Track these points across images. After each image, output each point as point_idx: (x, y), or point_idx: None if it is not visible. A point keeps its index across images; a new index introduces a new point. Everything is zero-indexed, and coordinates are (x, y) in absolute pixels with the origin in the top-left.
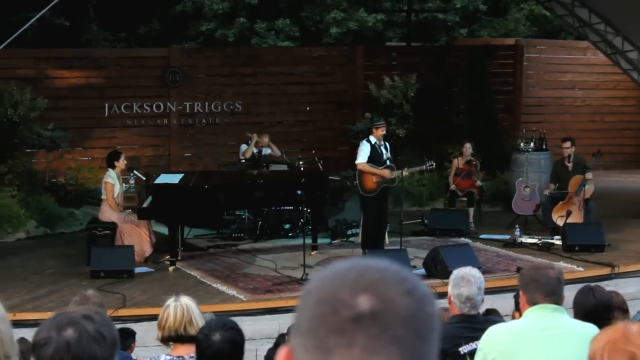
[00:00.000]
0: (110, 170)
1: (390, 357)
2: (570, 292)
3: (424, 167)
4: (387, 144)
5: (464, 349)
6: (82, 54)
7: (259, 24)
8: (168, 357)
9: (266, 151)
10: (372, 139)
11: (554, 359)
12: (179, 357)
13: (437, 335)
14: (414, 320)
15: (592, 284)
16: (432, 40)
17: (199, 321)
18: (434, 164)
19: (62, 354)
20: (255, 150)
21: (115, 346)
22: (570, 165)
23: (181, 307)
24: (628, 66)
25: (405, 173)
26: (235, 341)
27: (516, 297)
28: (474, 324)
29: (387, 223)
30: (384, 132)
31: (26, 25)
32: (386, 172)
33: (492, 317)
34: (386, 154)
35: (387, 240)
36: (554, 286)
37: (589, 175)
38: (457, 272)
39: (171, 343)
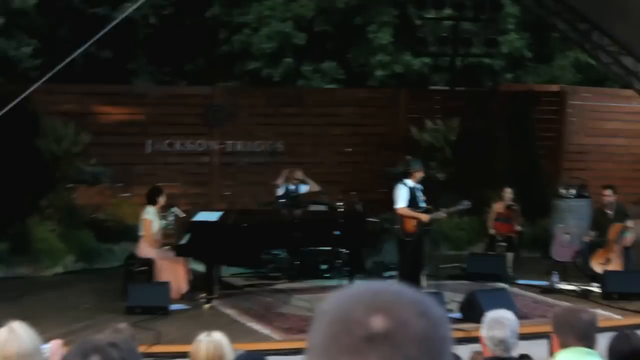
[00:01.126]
0: (149, 206)
1: None
2: (607, 340)
3: (460, 206)
4: (420, 186)
5: None
6: (126, 90)
7: (305, 66)
8: None
9: (305, 187)
10: (409, 182)
11: None
12: None
13: (449, 358)
14: (428, 341)
15: (628, 331)
16: (477, 85)
17: (230, 357)
18: (470, 203)
19: None
20: (292, 188)
21: None
22: (611, 213)
23: (213, 343)
24: None
25: (442, 215)
26: None
27: (549, 341)
28: None
29: (423, 266)
30: (422, 175)
31: (69, 58)
32: (425, 217)
33: None
34: (422, 197)
35: (424, 283)
36: (588, 329)
37: (629, 223)
38: (491, 315)
39: None
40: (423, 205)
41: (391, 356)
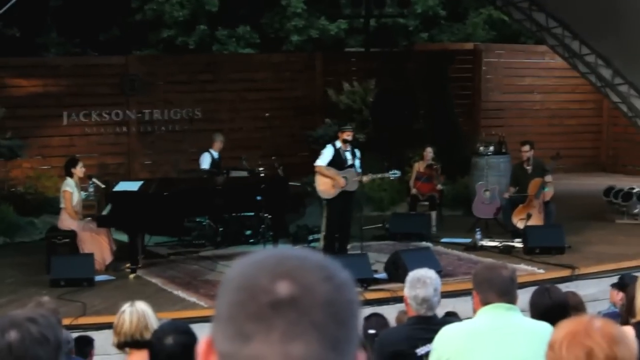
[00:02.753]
0: (69, 178)
1: (309, 342)
2: (529, 295)
3: (388, 175)
4: (356, 150)
5: (421, 351)
6: (39, 62)
7: (220, 31)
8: None
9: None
10: (337, 143)
11: (507, 358)
12: None
13: (357, 322)
14: (333, 305)
15: (548, 285)
16: (392, 46)
17: (155, 326)
18: (399, 172)
19: (4, 356)
20: (215, 156)
21: (60, 349)
22: (529, 168)
23: (137, 312)
24: (586, 69)
25: (366, 179)
26: (188, 345)
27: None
28: (431, 325)
29: (349, 228)
30: (349, 137)
31: None
32: (341, 181)
33: (450, 318)
34: (351, 160)
35: (348, 244)
36: (508, 286)
37: (548, 178)
38: (413, 274)
39: (127, 349)
40: (351, 168)
41: (297, 322)
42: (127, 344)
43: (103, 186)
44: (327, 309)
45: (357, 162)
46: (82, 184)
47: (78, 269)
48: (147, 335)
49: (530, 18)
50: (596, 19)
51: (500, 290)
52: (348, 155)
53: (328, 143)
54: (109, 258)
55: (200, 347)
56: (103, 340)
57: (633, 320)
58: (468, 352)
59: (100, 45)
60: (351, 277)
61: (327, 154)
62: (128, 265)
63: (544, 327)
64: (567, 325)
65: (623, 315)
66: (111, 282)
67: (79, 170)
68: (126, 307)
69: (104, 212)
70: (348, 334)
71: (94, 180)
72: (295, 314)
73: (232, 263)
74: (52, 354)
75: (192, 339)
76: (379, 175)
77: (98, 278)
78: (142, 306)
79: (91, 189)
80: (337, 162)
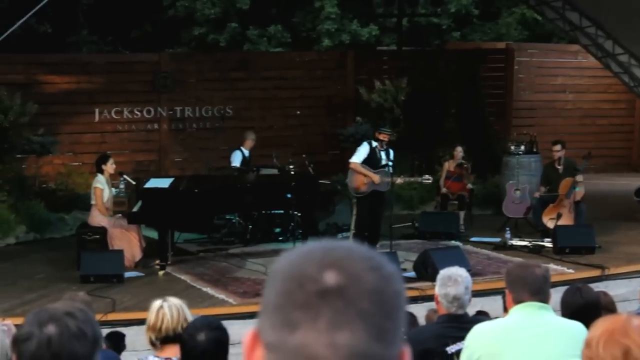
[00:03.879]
0: (99, 175)
1: (355, 331)
2: (560, 295)
3: (421, 180)
4: (390, 150)
5: (452, 349)
6: (71, 60)
7: (251, 30)
8: (157, 359)
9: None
10: (373, 142)
11: (539, 357)
12: (167, 358)
13: (403, 314)
14: (380, 295)
15: (580, 284)
16: (424, 45)
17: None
18: (431, 178)
19: (43, 350)
20: (247, 154)
21: (97, 344)
22: (560, 168)
23: (176, 307)
24: (619, 69)
25: (399, 181)
26: (221, 341)
27: (504, 297)
28: (461, 324)
29: (379, 226)
30: (385, 139)
31: (9, 31)
32: (376, 177)
33: (481, 317)
34: (385, 160)
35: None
36: (541, 284)
37: (579, 177)
38: (444, 272)
39: (158, 344)
40: (385, 167)
41: (344, 310)
42: (167, 339)
43: (134, 183)
44: (374, 298)
45: (391, 163)
46: (113, 180)
47: (108, 266)
48: None
49: (563, 17)
50: (630, 19)
51: (533, 289)
52: (383, 154)
53: (359, 141)
54: (138, 255)
55: (246, 339)
56: (132, 336)
57: None
58: (501, 351)
59: (132, 42)
60: (398, 270)
61: (362, 151)
62: (157, 262)
63: (576, 325)
64: (605, 323)
65: None
66: (140, 279)
67: (110, 167)
68: (163, 303)
69: (135, 209)
70: (394, 326)
71: (125, 177)
72: (342, 303)
73: (262, 260)
74: (89, 349)
75: (224, 334)
76: (412, 179)
77: (127, 274)
78: (177, 301)
79: (122, 186)
80: (372, 160)
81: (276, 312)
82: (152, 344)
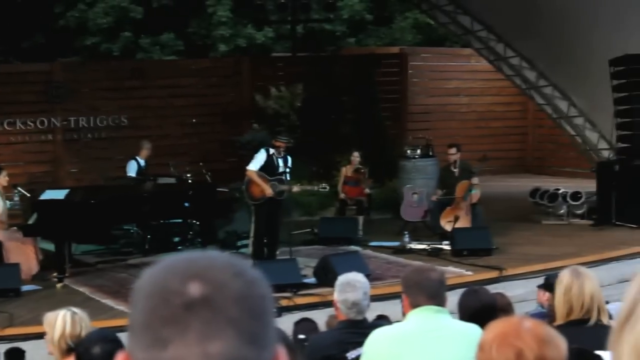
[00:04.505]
0: None
1: (226, 338)
2: (458, 297)
3: (317, 188)
4: (288, 157)
5: (351, 355)
6: None
7: (143, 39)
8: None
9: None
10: (270, 149)
11: None
12: None
13: (272, 317)
14: (247, 300)
15: (476, 287)
16: (319, 50)
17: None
18: (327, 187)
19: None
20: (143, 164)
21: None
22: (456, 170)
23: (72, 315)
24: (511, 72)
25: (296, 189)
26: (115, 353)
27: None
28: (361, 329)
29: (278, 233)
30: (283, 146)
31: None
32: (268, 191)
33: (381, 322)
34: (282, 167)
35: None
36: (437, 288)
37: (475, 180)
38: (342, 278)
39: (58, 356)
40: (282, 175)
41: (212, 320)
42: (69, 349)
43: (28, 195)
44: (241, 304)
45: (289, 170)
46: (7, 193)
47: (4, 279)
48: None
49: (455, 21)
50: (520, 22)
51: (430, 293)
52: (280, 162)
53: (257, 148)
54: (35, 268)
55: None
56: (31, 351)
57: (554, 324)
58: (398, 355)
59: (24, 52)
60: (261, 274)
61: (259, 158)
62: (55, 274)
63: (473, 329)
64: (497, 326)
65: (550, 315)
66: (38, 292)
67: (3, 180)
68: (60, 312)
69: (30, 221)
70: (265, 329)
71: (19, 189)
72: (210, 313)
73: (141, 273)
74: None
75: (119, 346)
76: (308, 187)
77: (25, 288)
78: (77, 310)
79: (16, 198)
80: (269, 167)
81: (144, 330)
82: (55, 353)
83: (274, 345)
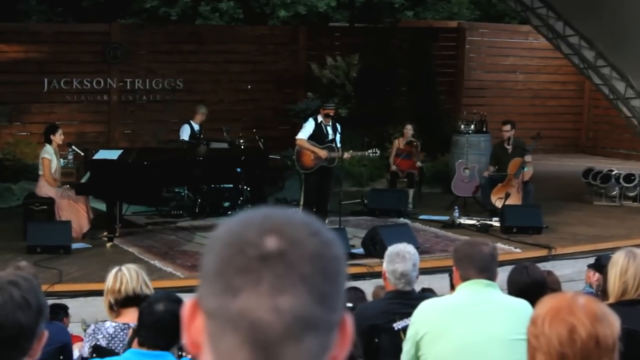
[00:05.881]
0: (48, 145)
1: (297, 294)
2: (507, 274)
3: (367, 153)
4: (337, 125)
5: (398, 325)
6: (20, 28)
7: (202, 6)
8: (114, 324)
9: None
10: (319, 118)
11: (485, 333)
12: (124, 324)
13: (343, 279)
14: (321, 260)
15: (526, 263)
16: (377, 22)
17: (150, 285)
18: (378, 151)
19: None
20: (197, 128)
21: (41, 314)
22: (509, 147)
23: (134, 270)
24: (569, 51)
25: (347, 155)
26: (178, 314)
27: (451, 275)
28: (409, 300)
29: (327, 202)
30: (331, 113)
31: None
32: (323, 153)
33: (427, 294)
34: (332, 135)
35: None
36: (488, 262)
37: (528, 158)
38: (391, 249)
39: (116, 309)
40: (331, 143)
41: (285, 275)
42: (127, 300)
43: (82, 154)
44: (315, 263)
45: (338, 137)
46: (61, 151)
47: (55, 236)
48: (147, 291)
49: None
50: (580, 1)
51: (480, 267)
52: (329, 129)
53: (310, 117)
54: (86, 226)
55: (185, 308)
56: (78, 308)
57: (606, 303)
58: (447, 327)
59: (83, 12)
60: (337, 236)
61: (308, 127)
62: (105, 233)
63: (523, 303)
64: (551, 301)
65: (599, 296)
66: (88, 251)
67: (58, 138)
68: (121, 267)
69: (83, 180)
70: (336, 290)
71: (73, 147)
72: (284, 267)
73: (213, 230)
74: (33, 318)
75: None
76: (359, 153)
77: (75, 246)
78: (134, 266)
79: (70, 157)
80: (319, 136)
81: (217, 278)
82: (111, 308)
83: (343, 309)
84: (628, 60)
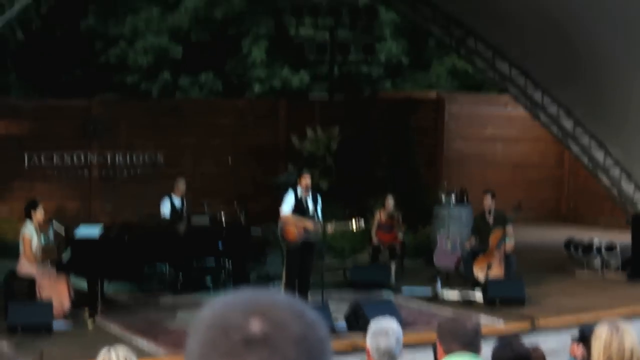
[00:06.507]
0: (28, 222)
1: None
2: (490, 347)
3: (351, 224)
4: (318, 195)
5: None
6: (0, 103)
7: (182, 79)
8: None
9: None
10: (299, 190)
11: None
12: None
13: (329, 359)
14: (305, 342)
15: (511, 337)
16: (356, 94)
17: None
18: (363, 220)
19: None
20: (178, 201)
21: None
22: (491, 218)
23: (123, 352)
24: (548, 120)
25: (330, 228)
26: None
27: (434, 349)
28: None
29: (309, 276)
30: (308, 180)
31: None
32: (310, 224)
33: None
34: (312, 208)
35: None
36: (471, 337)
37: (509, 229)
38: (375, 324)
39: None
40: (313, 215)
41: (270, 358)
42: None
43: (63, 230)
44: (300, 346)
45: (319, 209)
46: (42, 227)
47: (37, 316)
48: None
49: (493, 67)
50: (558, 69)
51: (464, 342)
52: (310, 202)
53: (289, 190)
54: (67, 305)
55: None
56: None
57: None
58: None
59: (63, 87)
60: (321, 318)
61: (289, 199)
62: (87, 312)
63: None
64: None
65: None
66: (70, 329)
67: (39, 214)
68: (110, 349)
69: (64, 258)
70: None
71: (54, 224)
72: (268, 351)
73: (193, 310)
74: None
75: None
76: (343, 223)
77: (56, 325)
78: (123, 348)
79: (51, 233)
80: (300, 209)
81: None
82: None
83: None
84: (607, 128)
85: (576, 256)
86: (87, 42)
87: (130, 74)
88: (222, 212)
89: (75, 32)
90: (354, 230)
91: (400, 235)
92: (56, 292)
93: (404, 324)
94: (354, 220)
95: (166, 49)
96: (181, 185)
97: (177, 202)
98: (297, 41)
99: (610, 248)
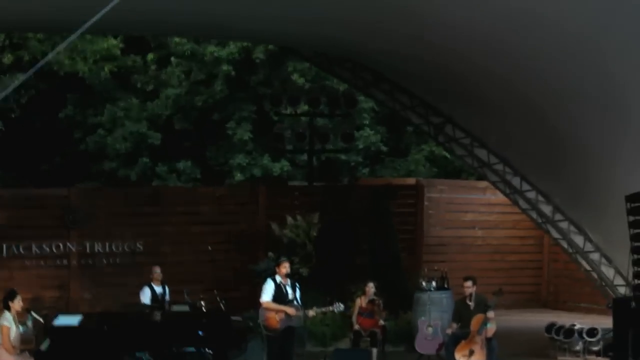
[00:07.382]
0: (6, 312)
1: None
2: None
3: (333, 308)
4: (296, 284)
5: None
6: None
7: (160, 166)
8: None
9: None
10: (277, 278)
11: None
12: None
13: None
14: None
15: None
16: (335, 180)
17: None
18: (343, 306)
19: None
20: (158, 289)
21: None
22: (472, 304)
23: None
24: (527, 206)
25: (312, 313)
26: None
27: None
28: None
29: None
30: (287, 269)
31: None
32: (292, 310)
33: None
34: (292, 294)
35: None
36: None
37: (490, 314)
38: None
39: None
40: (293, 302)
41: None
42: None
43: (42, 320)
44: None
45: (299, 296)
46: (20, 318)
47: None
48: None
49: (471, 154)
50: (536, 156)
51: None
52: (289, 289)
53: (268, 278)
54: None
55: None
56: None
57: None
58: None
59: (41, 176)
60: None
61: (269, 288)
62: None
63: None
64: None
65: None
66: None
67: (17, 304)
68: None
69: (43, 348)
70: None
71: (32, 313)
72: None
73: None
74: None
75: None
76: (323, 309)
77: None
78: None
79: (29, 323)
80: (279, 296)
81: None
82: None
83: None
84: (586, 214)
85: (558, 341)
86: (66, 131)
87: (109, 161)
88: (202, 300)
89: (55, 121)
90: (335, 312)
91: (381, 321)
92: None
93: None
94: (335, 304)
95: (145, 135)
96: (157, 273)
97: (159, 289)
98: (277, 129)
99: (592, 332)
